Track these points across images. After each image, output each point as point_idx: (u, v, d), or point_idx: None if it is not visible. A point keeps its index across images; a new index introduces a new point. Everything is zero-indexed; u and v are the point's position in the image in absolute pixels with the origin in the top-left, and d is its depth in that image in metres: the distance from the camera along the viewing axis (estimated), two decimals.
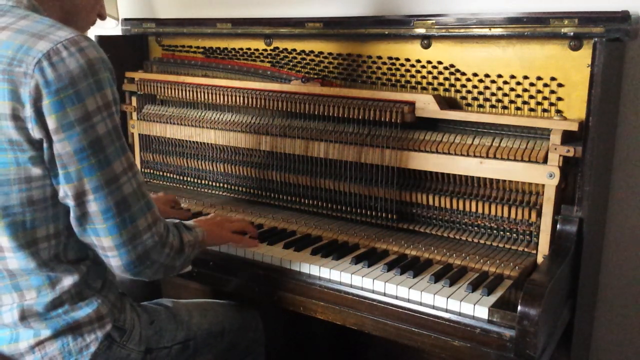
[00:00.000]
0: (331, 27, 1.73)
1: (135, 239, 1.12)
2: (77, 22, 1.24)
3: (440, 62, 1.61)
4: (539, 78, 1.49)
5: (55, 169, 1.07)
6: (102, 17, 1.33)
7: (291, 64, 1.85)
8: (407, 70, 1.66)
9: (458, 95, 1.60)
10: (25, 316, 1.14)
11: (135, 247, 1.12)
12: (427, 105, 1.55)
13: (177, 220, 1.32)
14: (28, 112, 1.02)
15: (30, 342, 1.14)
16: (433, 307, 1.27)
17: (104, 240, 1.11)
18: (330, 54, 1.78)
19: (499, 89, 1.54)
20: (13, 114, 1.02)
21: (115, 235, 1.10)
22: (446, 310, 1.26)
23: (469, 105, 1.59)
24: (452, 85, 1.60)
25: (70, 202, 1.09)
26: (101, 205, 1.08)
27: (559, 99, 1.47)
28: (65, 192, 1.08)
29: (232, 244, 1.52)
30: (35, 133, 1.03)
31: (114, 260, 1.13)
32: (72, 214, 1.10)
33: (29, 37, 1.04)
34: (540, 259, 1.43)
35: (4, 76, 1.02)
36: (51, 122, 1.02)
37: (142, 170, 2.11)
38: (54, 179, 1.08)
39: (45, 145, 1.05)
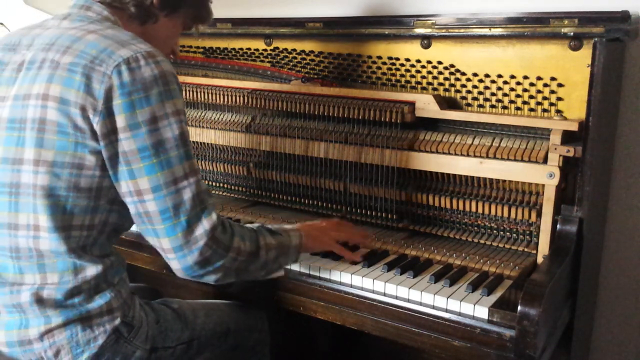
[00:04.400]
0: (331, 27, 1.73)
1: (191, 244, 1.15)
2: None
3: (440, 62, 1.61)
4: (539, 78, 1.48)
5: (118, 165, 1.13)
6: (175, 54, 1.44)
7: (291, 64, 1.85)
8: (407, 70, 1.66)
9: (458, 95, 1.60)
10: (42, 299, 1.16)
11: (192, 252, 1.15)
12: (427, 105, 1.55)
13: (259, 224, 1.34)
14: (99, 107, 1.10)
15: (40, 329, 1.15)
16: (433, 307, 1.27)
17: (162, 242, 1.16)
18: (330, 54, 1.78)
19: (499, 89, 1.54)
20: (84, 105, 1.10)
21: (172, 237, 1.15)
22: (446, 310, 1.26)
23: (469, 105, 1.59)
24: (452, 85, 1.60)
25: (132, 199, 1.14)
26: (159, 206, 1.13)
27: (559, 99, 1.47)
28: (128, 187, 1.14)
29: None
30: (100, 127, 1.10)
31: (174, 264, 1.17)
32: (132, 211, 1.17)
33: (113, 43, 1.14)
34: (540, 259, 1.43)
35: (84, 70, 1.11)
36: (120, 121, 1.10)
37: None
38: (114, 175, 1.14)
39: (105, 142, 1.11)
